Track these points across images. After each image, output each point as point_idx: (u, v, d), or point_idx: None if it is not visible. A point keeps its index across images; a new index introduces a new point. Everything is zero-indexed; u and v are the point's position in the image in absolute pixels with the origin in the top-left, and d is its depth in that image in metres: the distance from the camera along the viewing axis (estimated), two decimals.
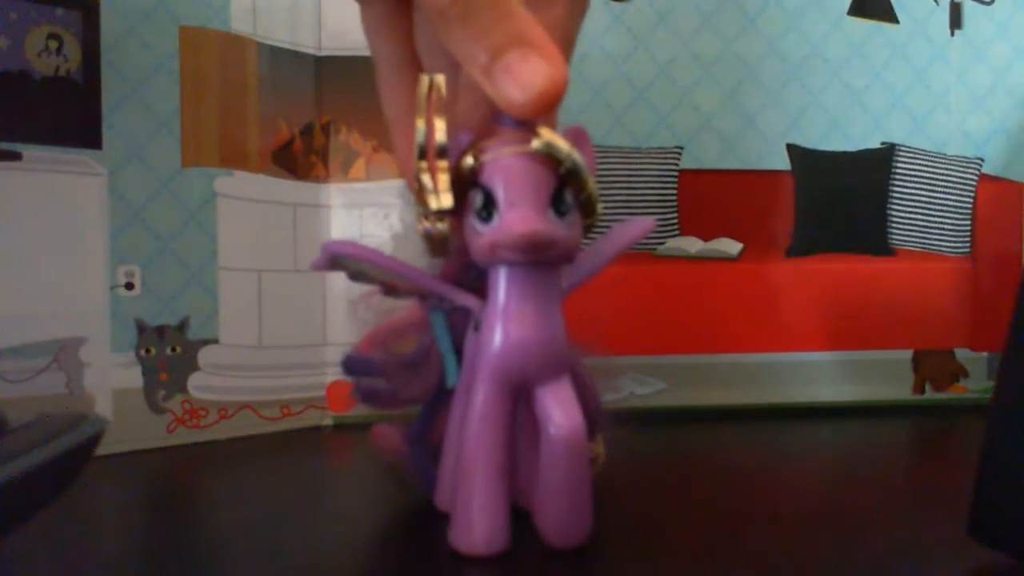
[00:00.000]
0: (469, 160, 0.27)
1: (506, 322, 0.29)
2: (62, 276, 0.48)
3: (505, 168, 0.27)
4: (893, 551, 0.33)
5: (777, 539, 0.34)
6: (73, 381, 0.48)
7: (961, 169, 0.62)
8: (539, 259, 0.28)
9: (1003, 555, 0.29)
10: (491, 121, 0.28)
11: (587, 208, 0.28)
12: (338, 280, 0.67)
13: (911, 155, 0.62)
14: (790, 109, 0.61)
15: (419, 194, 0.28)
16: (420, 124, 0.27)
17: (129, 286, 0.50)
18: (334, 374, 0.59)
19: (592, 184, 0.28)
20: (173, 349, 0.52)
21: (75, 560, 0.31)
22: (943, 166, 0.62)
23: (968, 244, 0.62)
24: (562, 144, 0.27)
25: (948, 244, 0.62)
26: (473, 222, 0.28)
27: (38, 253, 0.47)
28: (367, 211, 0.60)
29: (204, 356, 0.53)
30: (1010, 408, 0.29)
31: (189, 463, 0.48)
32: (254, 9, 0.56)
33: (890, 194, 0.62)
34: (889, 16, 0.62)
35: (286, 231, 0.58)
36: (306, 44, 0.59)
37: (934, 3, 0.62)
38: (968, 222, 0.62)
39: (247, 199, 0.55)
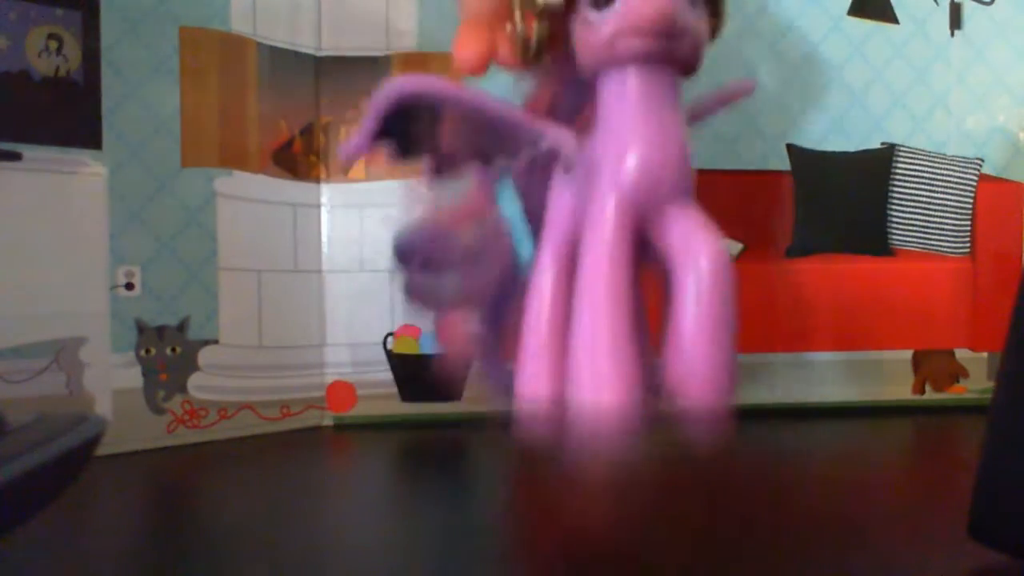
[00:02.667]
0: None
1: (632, 136, 0.23)
2: (62, 276, 0.47)
3: None
4: (893, 551, 0.33)
5: (777, 538, 0.34)
6: (73, 381, 0.48)
7: (961, 169, 0.62)
8: (667, 51, 0.23)
9: (1003, 555, 0.29)
10: None
11: (715, 5, 0.24)
12: (338, 280, 0.67)
13: (911, 155, 0.62)
14: (790, 109, 0.61)
15: None
16: None
17: (129, 286, 0.50)
18: (334, 374, 0.59)
19: None
20: (173, 349, 0.52)
21: (75, 560, 0.31)
22: (943, 166, 0.62)
23: (968, 244, 0.62)
24: None
25: (948, 244, 0.62)
26: (586, 13, 0.23)
27: (38, 253, 0.47)
28: (367, 211, 0.60)
29: (204, 356, 0.53)
30: (1010, 408, 0.29)
31: (189, 463, 0.48)
32: (254, 9, 0.56)
33: (890, 194, 0.62)
34: (889, 16, 0.62)
35: (286, 231, 0.58)
36: (306, 44, 0.59)
37: (934, 3, 0.62)
38: (968, 222, 0.62)
39: (247, 199, 0.55)
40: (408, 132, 0.26)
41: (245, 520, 0.36)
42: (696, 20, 0.24)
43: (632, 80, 0.24)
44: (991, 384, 0.37)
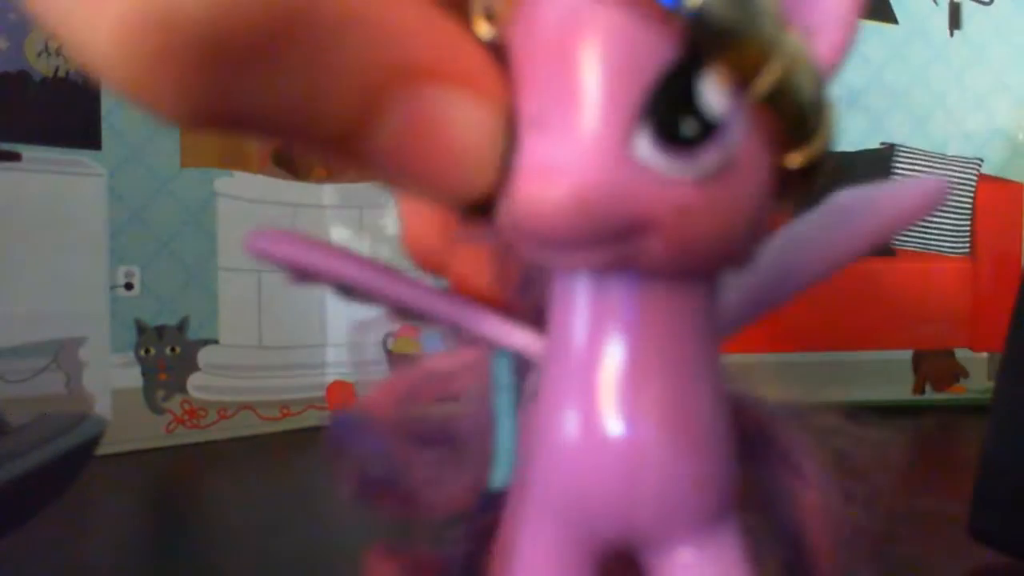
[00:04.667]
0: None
1: (571, 403, 0.11)
2: (62, 276, 0.47)
3: (537, 30, 0.10)
4: (893, 551, 0.33)
5: None
6: (73, 381, 0.48)
7: (961, 169, 0.62)
8: (606, 262, 0.10)
9: (1003, 555, 0.29)
10: None
11: (804, 127, 0.10)
12: None
13: (911, 155, 0.62)
14: None
15: None
16: None
17: (129, 286, 0.50)
18: (334, 374, 0.59)
19: (809, 70, 0.10)
20: (173, 349, 0.52)
21: (75, 560, 0.31)
22: (943, 166, 0.62)
23: (968, 244, 0.62)
24: None
25: (948, 244, 0.62)
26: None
27: (38, 253, 0.47)
28: (367, 211, 0.60)
29: (204, 356, 0.53)
30: (1010, 408, 0.29)
31: (189, 463, 0.48)
32: None
33: None
34: (888, 16, 0.62)
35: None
36: None
37: (933, 3, 0.62)
38: (968, 222, 0.62)
39: (247, 199, 0.55)
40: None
41: (245, 520, 0.36)
42: (700, 180, 0.10)
43: (584, 298, 0.11)
44: (991, 384, 0.37)
